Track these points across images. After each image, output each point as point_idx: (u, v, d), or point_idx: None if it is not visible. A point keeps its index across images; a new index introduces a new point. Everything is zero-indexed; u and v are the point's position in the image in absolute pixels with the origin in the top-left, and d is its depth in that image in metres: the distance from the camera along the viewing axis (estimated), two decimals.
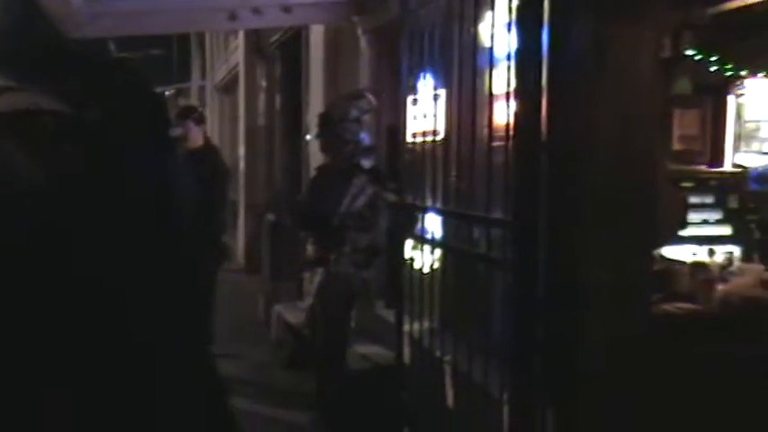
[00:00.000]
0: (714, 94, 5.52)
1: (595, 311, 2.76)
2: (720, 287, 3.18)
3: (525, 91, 2.86)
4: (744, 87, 5.50)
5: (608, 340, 2.77)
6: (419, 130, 4.02)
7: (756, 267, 3.62)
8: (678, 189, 4.89)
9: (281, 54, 10.02)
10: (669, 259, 4.10)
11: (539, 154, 2.81)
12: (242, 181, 11.41)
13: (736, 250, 5.30)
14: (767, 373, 2.91)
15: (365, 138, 4.62)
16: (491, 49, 3.16)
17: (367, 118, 4.55)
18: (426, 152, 3.88)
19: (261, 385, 5.92)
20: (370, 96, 4.70)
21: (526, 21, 2.84)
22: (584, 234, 2.75)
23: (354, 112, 4.49)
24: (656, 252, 4.08)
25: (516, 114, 2.90)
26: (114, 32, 6.73)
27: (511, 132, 2.94)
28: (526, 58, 2.85)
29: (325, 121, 4.61)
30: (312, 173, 5.24)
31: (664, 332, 2.94)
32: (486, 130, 3.27)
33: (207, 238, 4.78)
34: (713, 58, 5.39)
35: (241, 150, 11.99)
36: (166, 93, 21.92)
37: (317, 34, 7.53)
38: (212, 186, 4.89)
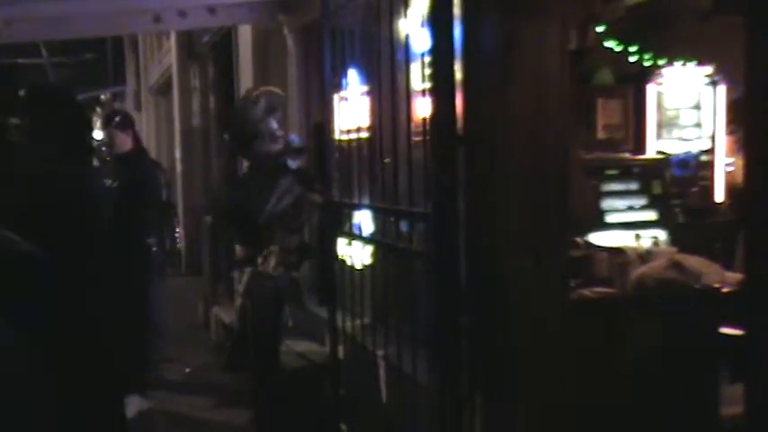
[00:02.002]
0: (635, 84, 5.70)
1: (516, 298, 2.86)
2: (636, 270, 3.31)
3: (440, 87, 2.94)
4: (663, 76, 5.70)
5: (529, 325, 2.86)
6: (347, 127, 4.08)
7: (669, 249, 3.78)
8: (590, 178, 5.03)
9: (213, 55, 9.98)
10: (593, 245, 4.23)
11: (455, 148, 2.89)
12: (179, 183, 11.33)
13: (662, 234, 5.49)
14: (680, 353, 3.05)
15: (295, 139, 4.67)
16: (408, 46, 3.23)
17: (279, 115, 4.51)
18: (354, 149, 3.94)
19: (201, 388, 5.92)
20: (266, 95, 4.60)
21: (438, 18, 2.92)
22: (501, 223, 2.84)
23: (258, 113, 4.46)
24: (579, 239, 4.21)
25: (433, 110, 2.98)
26: (31, 38, 6.60)
27: (428, 127, 3.03)
28: (440, 55, 2.93)
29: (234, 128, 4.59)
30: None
31: (583, 315, 3.06)
32: (407, 126, 3.35)
33: (136, 242, 4.75)
34: (632, 49, 5.57)
35: (177, 153, 11.89)
36: (102, 97, 21.59)
37: (245, 34, 7.53)
38: (140, 190, 4.87)
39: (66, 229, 1.29)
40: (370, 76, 3.72)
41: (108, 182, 4.63)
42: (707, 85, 5.75)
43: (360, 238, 3.91)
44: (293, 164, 4.55)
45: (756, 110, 1.44)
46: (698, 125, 5.79)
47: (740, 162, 6.11)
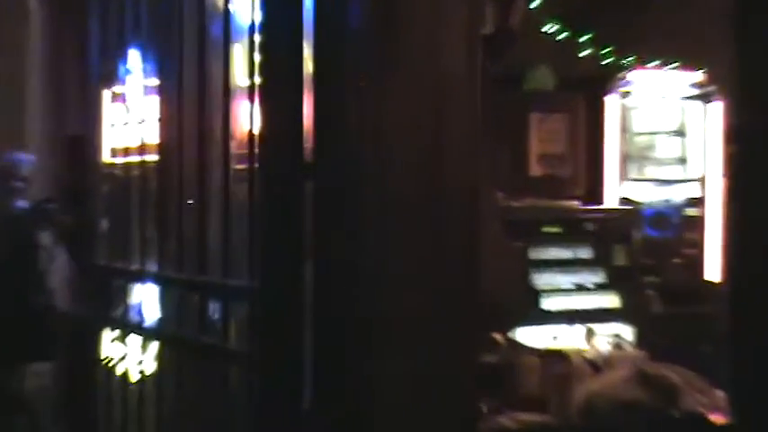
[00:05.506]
0: (588, 92, 5.88)
1: (390, 428, 2.90)
2: (583, 387, 3.41)
3: (278, 84, 2.99)
4: (629, 83, 5.87)
5: None
6: (123, 144, 4.06)
7: (633, 355, 3.91)
8: (518, 237, 5.16)
9: None
10: (520, 346, 4.32)
11: (299, 182, 2.93)
12: None
13: (627, 330, 5.61)
14: None
15: (23, 159, 4.75)
16: (228, 18, 3.28)
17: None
18: (135, 181, 3.93)
19: None
20: None
21: None
22: (370, 306, 2.89)
23: None
24: (499, 336, 4.31)
25: (265, 121, 3.02)
26: None
27: (257, 150, 3.06)
28: (278, 34, 2.99)
29: None
30: None
31: None
32: (223, 146, 3.37)
33: None
34: (583, 38, 5.75)
35: None
36: None
37: None
38: None
39: None
40: (164, 63, 3.75)
41: None
42: (695, 99, 5.95)
43: (139, 328, 3.89)
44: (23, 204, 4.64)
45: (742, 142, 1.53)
46: (682, 160, 6.00)
47: None
